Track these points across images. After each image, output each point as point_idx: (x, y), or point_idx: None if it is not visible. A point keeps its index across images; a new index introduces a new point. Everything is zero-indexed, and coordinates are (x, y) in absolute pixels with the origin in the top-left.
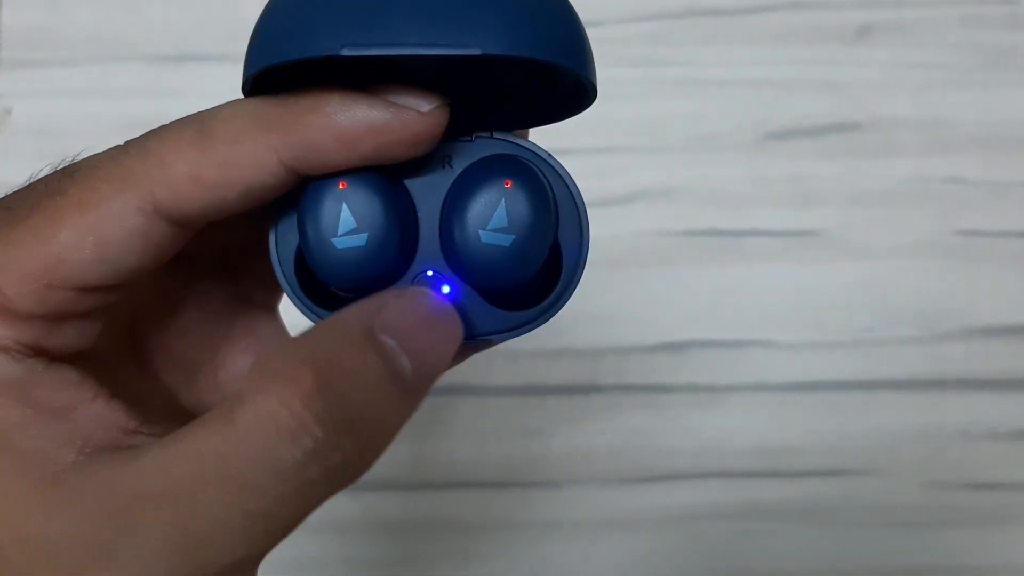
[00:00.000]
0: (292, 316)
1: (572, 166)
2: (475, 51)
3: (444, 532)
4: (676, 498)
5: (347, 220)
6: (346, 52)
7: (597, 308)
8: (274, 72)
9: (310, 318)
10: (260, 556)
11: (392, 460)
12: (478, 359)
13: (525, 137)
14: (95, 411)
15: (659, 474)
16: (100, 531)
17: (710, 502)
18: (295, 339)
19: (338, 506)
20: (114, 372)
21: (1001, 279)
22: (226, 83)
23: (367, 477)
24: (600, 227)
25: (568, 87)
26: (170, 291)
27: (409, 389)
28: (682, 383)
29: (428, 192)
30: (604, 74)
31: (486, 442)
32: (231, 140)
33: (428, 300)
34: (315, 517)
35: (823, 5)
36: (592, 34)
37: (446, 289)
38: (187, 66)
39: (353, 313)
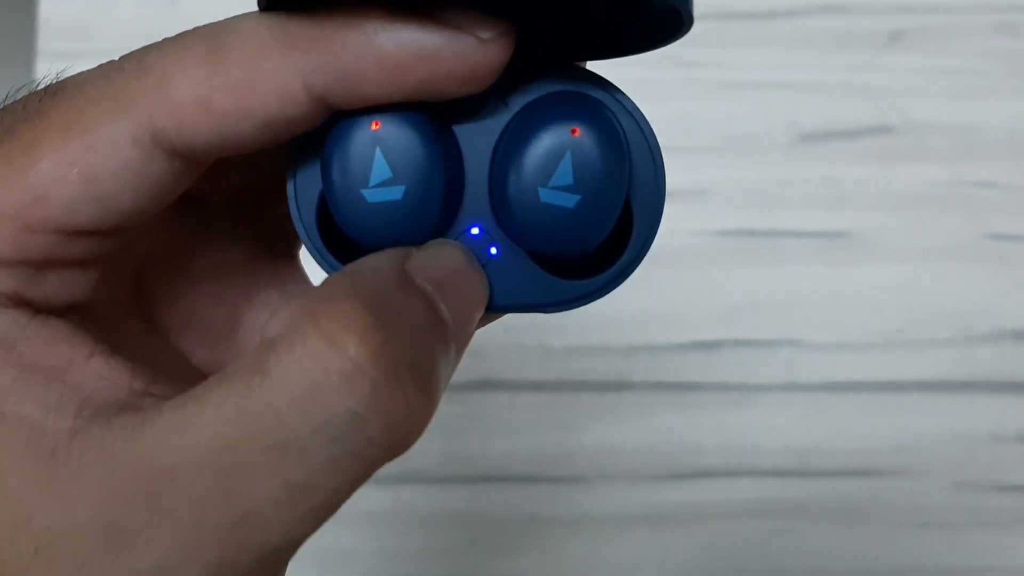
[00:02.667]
0: (316, 267)
1: None
2: None
3: (473, 526)
4: (705, 496)
5: (381, 168)
6: None
7: (630, 306)
8: None
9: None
10: (296, 544)
11: (423, 453)
12: (512, 354)
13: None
14: (93, 369)
15: (689, 472)
16: (110, 513)
17: (739, 500)
18: (325, 280)
19: (370, 498)
20: (116, 330)
21: None
22: None
23: (398, 469)
24: None
25: (656, 14)
26: (179, 238)
27: (451, 340)
28: (713, 382)
29: (477, 132)
30: (639, 75)
31: (518, 437)
32: (249, 59)
33: (458, 253)
34: (347, 509)
35: (856, 11)
36: None
37: (493, 251)
38: None
39: (381, 258)
